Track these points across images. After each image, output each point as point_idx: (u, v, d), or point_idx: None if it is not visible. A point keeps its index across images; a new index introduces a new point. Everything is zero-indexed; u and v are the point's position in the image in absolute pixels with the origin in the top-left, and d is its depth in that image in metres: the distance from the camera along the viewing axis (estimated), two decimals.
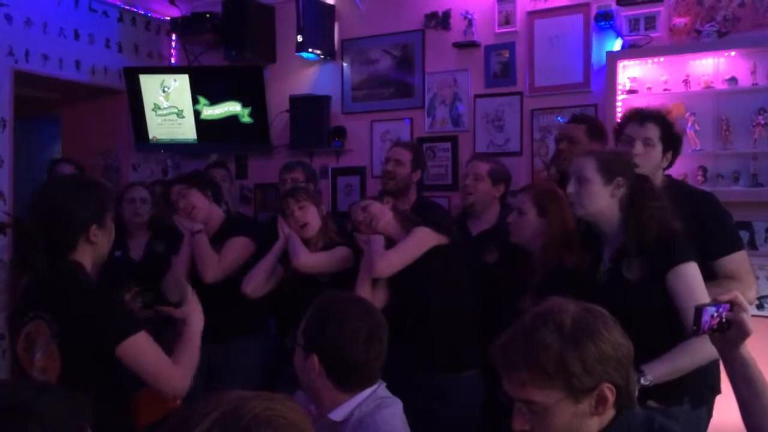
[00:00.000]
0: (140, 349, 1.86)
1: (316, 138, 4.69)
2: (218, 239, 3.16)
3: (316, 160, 4.74)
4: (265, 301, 3.06)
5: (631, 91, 3.69)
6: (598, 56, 3.91)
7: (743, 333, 1.48)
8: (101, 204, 2.00)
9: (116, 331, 1.84)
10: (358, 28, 4.68)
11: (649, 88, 3.68)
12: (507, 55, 4.20)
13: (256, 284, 2.96)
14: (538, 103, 4.12)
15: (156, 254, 3.52)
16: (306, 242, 2.94)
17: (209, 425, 0.93)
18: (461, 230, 3.13)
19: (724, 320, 1.49)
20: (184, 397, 2.00)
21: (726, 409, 1.96)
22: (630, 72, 3.73)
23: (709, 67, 3.58)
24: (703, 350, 1.84)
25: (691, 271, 2.06)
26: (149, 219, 3.64)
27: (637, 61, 3.71)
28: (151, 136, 5.00)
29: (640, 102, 3.43)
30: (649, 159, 2.37)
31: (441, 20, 4.40)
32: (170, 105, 4.95)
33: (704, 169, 3.55)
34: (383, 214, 2.81)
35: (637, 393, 1.45)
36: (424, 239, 2.74)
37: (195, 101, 4.89)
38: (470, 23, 4.24)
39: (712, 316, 1.48)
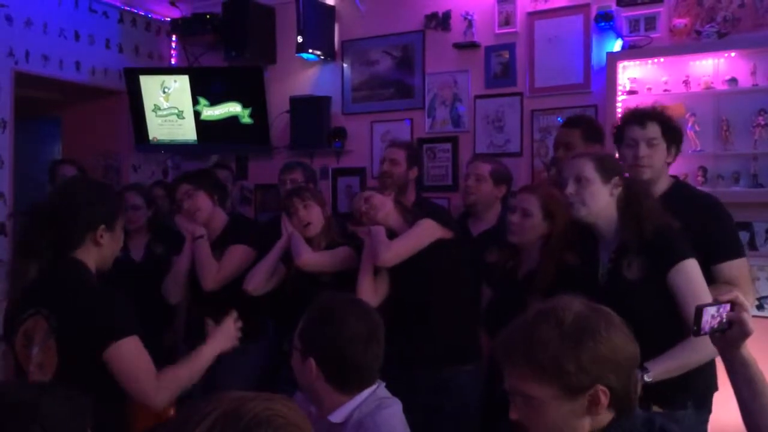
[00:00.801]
0: (128, 351, 1.84)
1: (316, 139, 4.69)
2: (220, 244, 3.14)
3: (317, 161, 4.74)
4: (264, 302, 3.05)
5: (631, 92, 3.69)
6: (598, 57, 3.90)
7: (744, 333, 1.48)
8: (116, 208, 2.03)
9: (110, 331, 1.84)
10: (358, 28, 4.68)
11: (649, 89, 3.68)
12: (507, 55, 4.20)
13: (257, 282, 2.95)
14: (538, 104, 4.12)
15: (155, 256, 3.52)
16: (309, 241, 2.94)
17: (209, 425, 0.93)
18: (462, 230, 3.13)
19: (724, 320, 1.49)
20: (183, 398, 2.00)
21: (726, 409, 1.96)
22: (630, 73, 3.73)
23: (710, 67, 3.58)
24: (704, 348, 1.83)
25: (692, 267, 2.06)
26: (147, 221, 3.63)
27: (637, 62, 3.71)
28: (151, 137, 5.01)
29: (640, 103, 3.43)
30: (656, 158, 2.38)
31: (441, 21, 4.40)
32: (170, 106, 4.95)
33: (704, 170, 3.55)
34: (384, 205, 2.81)
35: (639, 391, 1.45)
36: (428, 230, 2.74)
37: (195, 102, 4.90)
38: (470, 24, 4.24)
39: (712, 316, 1.48)
